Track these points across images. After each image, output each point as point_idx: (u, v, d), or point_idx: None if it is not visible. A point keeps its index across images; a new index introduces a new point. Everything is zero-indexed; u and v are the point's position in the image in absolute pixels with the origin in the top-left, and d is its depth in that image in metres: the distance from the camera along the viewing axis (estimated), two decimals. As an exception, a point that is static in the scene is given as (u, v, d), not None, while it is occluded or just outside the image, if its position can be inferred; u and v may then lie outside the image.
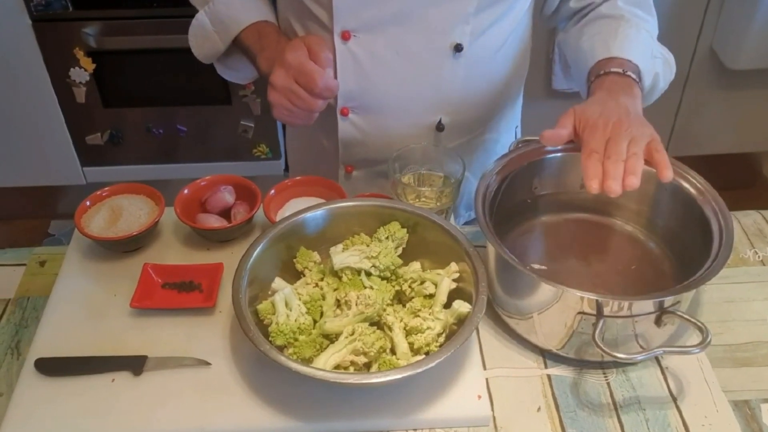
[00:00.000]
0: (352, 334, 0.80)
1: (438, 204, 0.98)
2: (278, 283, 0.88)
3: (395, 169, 1.00)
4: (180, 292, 0.92)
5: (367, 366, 0.81)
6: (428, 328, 0.82)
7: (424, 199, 0.98)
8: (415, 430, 0.80)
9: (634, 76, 0.94)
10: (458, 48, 1.00)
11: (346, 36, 1.00)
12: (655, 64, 1.03)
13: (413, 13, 0.98)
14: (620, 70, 0.94)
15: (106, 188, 1.02)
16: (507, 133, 1.20)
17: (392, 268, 0.89)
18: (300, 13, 1.04)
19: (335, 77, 1.01)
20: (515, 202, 0.98)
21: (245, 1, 1.07)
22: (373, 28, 0.99)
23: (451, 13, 0.98)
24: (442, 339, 0.83)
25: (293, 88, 0.93)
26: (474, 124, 1.12)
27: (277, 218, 0.98)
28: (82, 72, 1.96)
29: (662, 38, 2.06)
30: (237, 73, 1.17)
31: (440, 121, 1.07)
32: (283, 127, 2.14)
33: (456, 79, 1.03)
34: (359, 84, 1.03)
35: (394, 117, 1.06)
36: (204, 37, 1.09)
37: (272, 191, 1.01)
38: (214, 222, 0.99)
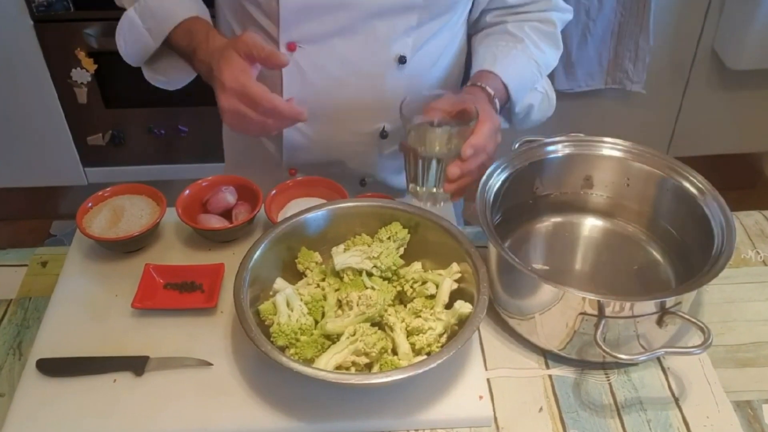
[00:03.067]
0: (354, 334, 0.80)
1: (448, 148, 0.90)
2: (280, 283, 0.88)
3: (406, 112, 0.93)
4: (181, 293, 0.92)
5: (369, 366, 0.81)
6: (430, 328, 0.82)
7: (433, 145, 0.91)
8: (416, 430, 0.80)
9: (491, 91, 1.01)
10: (402, 60, 1.03)
11: (291, 47, 1.01)
12: (533, 96, 1.12)
13: (358, 26, 1.00)
14: (483, 85, 1.02)
15: (108, 189, 1.02)
16: None
17: (394, 268, 0.89)
18: (244, 22, 1.05)
19: (281, 87, 1.01)
20: (517, 203, 0.99)
21: None
22: (318, 39, 1.01)
23: (394, 26, 1.01)
24: (443, 339, 0.83)
25: (242, 110, 0.89)
26: None
27: (279, 219, 0.98)
28: (83, 72, 1.96)
29: (663, 39, 2.06)
30: (167, 79, 1.12)
31: (384, 129, 1.09)
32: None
33: (398, 88, 1.05)
34: (304, 94, 1.03)
35: (339, 125, 1.08)
36: (133, 35, 1.05)
37: (273, 191, 1.01)
38: (215, 222, 0.99)
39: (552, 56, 1.14)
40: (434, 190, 0.95)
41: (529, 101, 1.11)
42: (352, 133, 1.09)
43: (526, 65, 1.09)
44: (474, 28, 1.16)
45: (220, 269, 0.93)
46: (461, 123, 0.91)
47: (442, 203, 0.96)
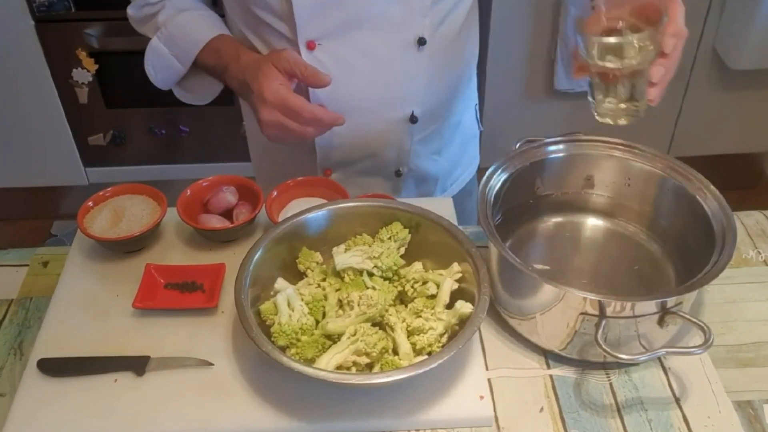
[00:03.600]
0: (355, 334, 0.80)
1: (644, 54, 0.82)
2: (280, 283, 0.88)
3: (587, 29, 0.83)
4: (182, 293, 0.92)
5: (370, 366, 0.81)
6: (430, 328, 0.82)
7: (630, 57, 0.82)
8: (417, 430, 0.80)
9: None
10: (422, 41, 1.02)
11: (311, 46, 1.01)
12: None
13: (374, 13, 0.99)
14: None
15: (109, 188, 1.02)
16: (468, 112, 1.25)
17: (394, 268, 0.89)
18: (257, 28, 1.05)
19: (306, 87, 1.02)
20: (517, 203, 0.98)
21: (196, 21, 1.07)
22: (336, 34, 1.00)
23: (409, 7, 1.00)
24: (444, 339, 0.83)
25: (282, 122, 0.95)
26: (441, 111, 1.15)
27: (280, 219, 0.98)
28: (84, 73, 1.96)
29: (664, 38, 2.03)
30: (196, 96, 1.17)
31: (413, 113, 1.09)
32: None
33: (421, 71, 1.05)
34: (329, 91, 1.03)
35: (367, 117, 1.08)
36: (162, 63, 1.09)
37: (275, 192, 1.01)
38: (216, 222, 0.99)
39: None
40: (633, 104, 0.88)
41: None
42: (381, 122, 1.09)
43: None
44: None
45: (221, 269, 0.94)
46: (651, 23, 0.81)
47: (642, 113, 0.89)
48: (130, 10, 1.11)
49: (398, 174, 1.16)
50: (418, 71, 1.05)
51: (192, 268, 0.94)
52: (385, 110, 1.08)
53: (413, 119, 1.09)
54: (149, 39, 1.09)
